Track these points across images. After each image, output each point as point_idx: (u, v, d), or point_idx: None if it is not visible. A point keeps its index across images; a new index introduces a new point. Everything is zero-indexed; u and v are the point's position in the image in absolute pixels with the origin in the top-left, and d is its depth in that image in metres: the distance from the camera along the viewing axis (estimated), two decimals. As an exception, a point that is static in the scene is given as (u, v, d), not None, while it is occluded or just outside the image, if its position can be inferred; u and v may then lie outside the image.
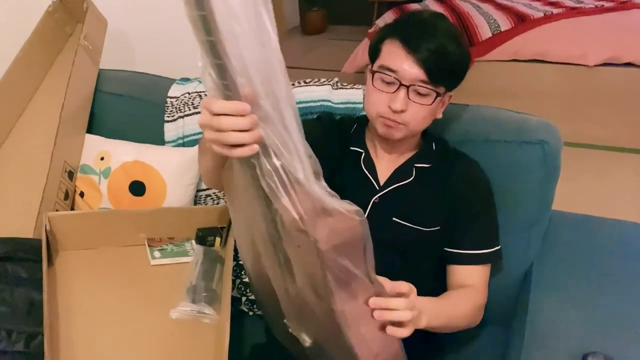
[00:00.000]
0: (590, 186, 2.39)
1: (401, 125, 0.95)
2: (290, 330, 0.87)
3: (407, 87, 0.91)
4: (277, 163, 0.66)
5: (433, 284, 1.02)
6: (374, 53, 0.97)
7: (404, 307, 0.77)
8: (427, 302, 0.87)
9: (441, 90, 0.93)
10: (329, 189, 0.70)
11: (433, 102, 0.92)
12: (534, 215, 1.10)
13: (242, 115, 0.63)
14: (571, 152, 1.24)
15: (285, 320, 0.87)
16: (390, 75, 0.92)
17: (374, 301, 0.76)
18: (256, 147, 0.66)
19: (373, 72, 0.95)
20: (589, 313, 0.98)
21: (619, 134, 2.75)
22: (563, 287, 1.04)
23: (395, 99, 0.92)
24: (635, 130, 2.73)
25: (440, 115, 0.99)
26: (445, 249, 1.02)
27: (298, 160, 0.67)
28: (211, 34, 0.60)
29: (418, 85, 0.91)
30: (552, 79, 2.80)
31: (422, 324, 0.83)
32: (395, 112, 0.92)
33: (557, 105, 2.79)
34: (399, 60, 0.91)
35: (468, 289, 0.99)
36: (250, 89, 0.63)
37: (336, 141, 1.07)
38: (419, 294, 0.82)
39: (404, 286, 0.79)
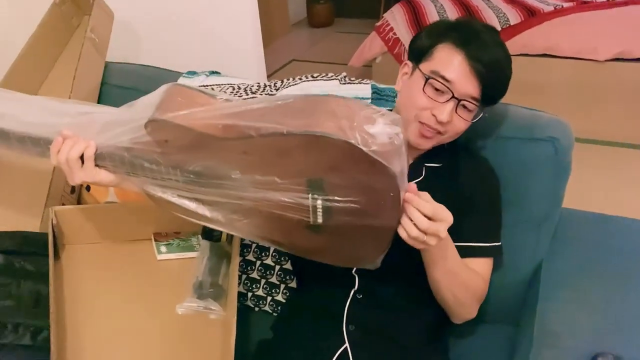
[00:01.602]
0: (601, 183, 2.37)
1: (438, 136, 0.94)
2: (318, 219, 0.84)
3: (459, 100, 0.89)
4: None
5: None
6: (422, 53, 0.95)
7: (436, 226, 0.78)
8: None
9: (485, 109, 0.92)
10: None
11: (475, 119, 0.92)
12: (544, 212, 1.09)
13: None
14: (581, 148, 1.22)
15: (310, 221, 0.85)
16: (445, 85, 0.90)
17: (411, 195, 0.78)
18: (92, 142, 0.90)
19: (426, 77, 0.92)
20: (599, 312, 0.97)
21: (630, 130, 2.72)
22: (573, 285, 1.03)
23: (442, 109, 0.90)
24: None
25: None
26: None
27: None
28: None
29: (468, 101, 0.90)
30: (562, 74, 2.77)
31: (438, 245, 0.82)
32: (439, 122, 0.91)
33: (567, 100, 2.76)
34: (457, 70, 0.89)
35: (477, 274, 0.98)
36: (65, 129, 0.91)
37: None
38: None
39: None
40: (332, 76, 1.27)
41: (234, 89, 1.32)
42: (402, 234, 0.80)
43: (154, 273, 1.13)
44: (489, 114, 1.11)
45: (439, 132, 0.93)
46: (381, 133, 0.74)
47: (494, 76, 0.89)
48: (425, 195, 0.80)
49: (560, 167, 1.05)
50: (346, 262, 0.93)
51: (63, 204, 1.24)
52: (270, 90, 1.29)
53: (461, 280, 0.94)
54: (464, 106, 0.90)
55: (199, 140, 0.83)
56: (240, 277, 1.28)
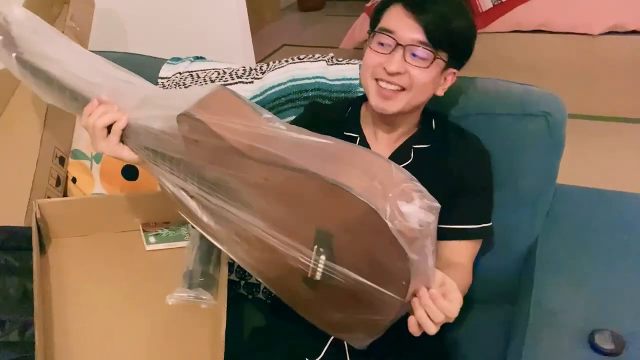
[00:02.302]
0: (595, 159, 2.35)
1: (401, 94, 0.90)
2: (317, 275, 0.79)
3: (404, 47, 0.87)
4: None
5: None
6: (375, 21, 0.93)
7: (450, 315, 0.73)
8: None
9: (443, 56, 0.89)
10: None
11: (431, 64, 0.88)
12: (538, 189, 1.07)
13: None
14: (575, 124, 1.20)
15: (309, 275, 0.80)
16: (388, 36, 0.88)
17: (424, 294, 0.72)
18: (125, 117, 0.88)
19: (371, 34, 0.92)
20: (595, 289, 0.96)
21: (625, 105, 2.69)
22: (569, 263, 1.02)
23: (390, 60, 0.88)
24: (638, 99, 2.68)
25: (441, 93, 0.95)
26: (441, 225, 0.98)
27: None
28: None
29: (415, 46, 0.87)
30: (555, 50, 2.74)
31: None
32: (390, 74, 0.88)
33: (561, 76, 2.73)
34: (398, 20, 0.88)
35: (459, 269, 0.95)
36: (104, 94, 0.90)
37: (326, 130, 1.03)
38: None
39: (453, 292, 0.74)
40: (319, 57, 1.24)
41: (219, 73, 1.29)
42: (413, 328, 0.75)
43: (143, 264, 1.11)
44: (480, 90, 1.10)
45: (401, 89, 0.90)
46: (413, 215, 0.69)
47: (437, 21, 0.86)
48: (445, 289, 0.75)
49: (553, 142, 1.03)
50: (332, 330, 0.88)
51: (48, 197, 1.21)
52: (256, 74, 1.26)
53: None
54: (414, 54, 0.88)
55: (225, 151, 0.80)
56: (232, 266, 1.27)
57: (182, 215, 0.95)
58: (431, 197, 0.72)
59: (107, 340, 0.95)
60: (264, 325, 1.12)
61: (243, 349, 1.05)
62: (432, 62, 0.88)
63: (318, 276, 0.79)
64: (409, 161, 0.98)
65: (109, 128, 0.89)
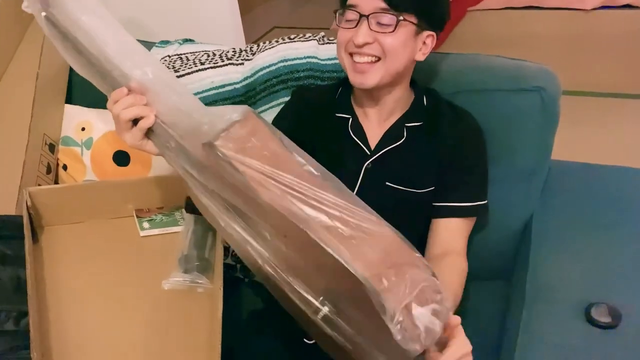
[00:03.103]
0: (589, 134, 2.35)
1: (376, 65, 0.89)
2: (317, 316, 0.79)
3: (367, 17, 0.87)
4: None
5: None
6: (343, 0, 0.93)
7: None
8: None
9: (410, 18, 0.88)
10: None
11: (397, 28, 0.87)
12: (533, 165, 1.06)
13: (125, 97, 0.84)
14: (569, 100, 1.20)
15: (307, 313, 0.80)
16: (353, 11, 0.89)
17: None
18: (152, 116, 0.84)
19: (337, 12, 0.93)
20: (591, 263, 0.96)
21: (618, 80, 2.69)
22: (564, 237, 1.02)
23: (357, 32, 0.89)
24: (634, 74, 2.67)
25: (421, 58, 0.94)
26: (435, 203, 0.98)
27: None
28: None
29: (377, 13, 0.87)
30: (548, 26, 2.72)
31: None
32: (358, 46, 0.89)
33: (553, 53, 2.71)
34: None
35: (455, 261, 0.95)
36: (135, 83, 0.85)
37: (317, 113, 1.02)
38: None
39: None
40: (309, 37, 1.22)
41: (208, 55, 1.27)
42: None
43: (137, 250, 1.10)
44: (473, 66, 1.09)
45: (376, 59, 0.90)
46: (421, 319, 0.68)
47: None
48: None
49: (548, 117, 1.03)
50: (325, 348, 0.85)
51: (39, 185, 1.20)
52: (247, 55, 1.24)
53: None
54: (379, 22, 0.88)
55: (246, 190, 0.75)
56: (228, 250, 1.26)
57: (195, 204, 0.93)
58: (445, 302, 0.71)
59: (103, 328, 0.95)
60: (261, 307, 1.12)
61: (240, 331, 1.05)
62: (397, 26, 0.87)
63: (318, 318, 0.78)
64: (402, 140, 0.97)
65: (135, 120, 0.86)
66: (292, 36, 1.23)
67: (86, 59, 0.89)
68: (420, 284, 0.69)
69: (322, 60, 1.18)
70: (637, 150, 2.25)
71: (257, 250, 0.79)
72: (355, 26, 0.89)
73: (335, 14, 0.93)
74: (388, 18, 0.87)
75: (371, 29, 0.88)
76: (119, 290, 1.01)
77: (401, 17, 0.87)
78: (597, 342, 0.83)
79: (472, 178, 0.99)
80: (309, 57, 1.18)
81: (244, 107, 0.79)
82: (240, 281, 1.27)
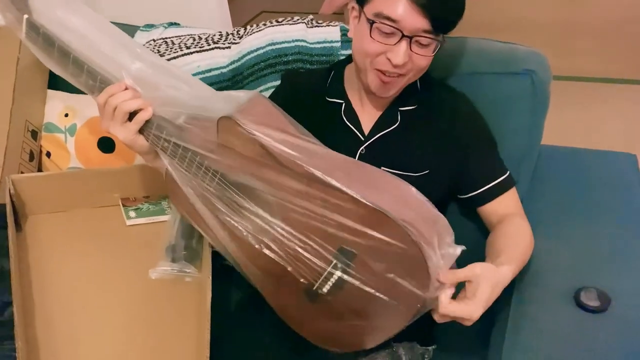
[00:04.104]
0: (578, 119, 2.36)
1: (399, 79, 0.87)
2: (325, 287, 0.83)
3: (410, 38, 0.82)
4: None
5: None
6: None
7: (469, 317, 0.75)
8: (507, 272, 0.80)
9: (441, 37, 0.85)
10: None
11: (435, 50, 0.85)
12: (523, 149, 1.05)
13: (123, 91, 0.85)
14: (559, 85, 1.19)
15: (315, 286, 0.83)
16: (390, 26, 0.82)
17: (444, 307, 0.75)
18: (150, 109, 0.86)
19: (370, 22, 0.84)
20: (580, 248, 0.96)
21: (608, 66, 2.69)
22: (553, 222, 1.02)
23: (396, 51, 0.83)
24: (622, 60, 2.68)
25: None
26: (463, 196, 0.99)
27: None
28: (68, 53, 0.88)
29: (421, 36, 0.82)
30: (537, 11, 2.71)
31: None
32: (395, 66, 0.84)
33: (542, 38, 2.70)
34: (399, 7, 0.81)
35: (513, 222, 0.93)
36: (130, 80, 0.86)
37: (307, 97, 1.00)
38: None
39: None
40: (298, 20, 1.20)
41: (194, 39, 1.24)
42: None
43: (124, 239, 1.09)
44: (463, 50, 1.07)
45: (400, 75, 0.87)
46: (447, 257, 0.75)
47: (440, 5, 0.81)
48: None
49: (538, 100, 1.02)
50: (319, 341, 0.89)
51: (22, 173, 1.17)
52: (234, 39, 1.22)
53: (525, 256, 0.90)
54: (418, 42, 0.84)
55: (263, 161, 0.81)
56: (216, 238, 1.25)
57: (180, 211, 0.97)
58: (453, 248, 0.77)
59: (89, 317, 0.94)
60: (250, 295, 1.10)
61: (229, 320, 1.04)
62: (435, 49, 0.85)
63: (325, 289, 0.82)
64: (396, 125, 0.95)
65: (130, 116, 0.87)
66: (280, 19, 1.21)
67: (73, 62, 0.89)
68: (438, 222, 0.77)
69: (310, 43, 1.16)
70: (623, 134, 2.27)
71: (260, 227, 0.84)
72: (394, 44, 0.83)
73: (369, 24, 0.84)
74: (429, 40, 0.83)
75: (410, 50, 0.84)
76: (105, 279, 1.00)
77: (440, 40, 0.84)
78: (586, 326, 0.83)
79: (491, 155, 0.99)
80: (297, 40, 1.16)
81: (254, 92, 0.87)
82: (230, 269, 1.25)
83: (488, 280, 0.75)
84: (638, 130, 2.30)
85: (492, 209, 0.97)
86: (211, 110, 0.85)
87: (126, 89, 0.86)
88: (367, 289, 0.78)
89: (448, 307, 0.74)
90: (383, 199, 0.75)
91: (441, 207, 1.03)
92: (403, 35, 0.82)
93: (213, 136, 0.84)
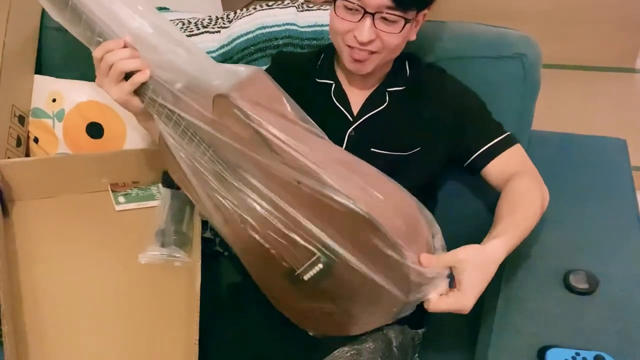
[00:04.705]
0: (568, 106, 2.37)
1: (373, 55, 0.87)
2: (305, 275, 0.82)
3: (373, 14, 0.82)
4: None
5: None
6: None
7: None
8: (497, 247, 0.77)
9: (411, 15, 0.84)
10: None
11: (402, 29, 0.84)
12: (514, 133, 1.05)
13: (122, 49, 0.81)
14: (548, 73, 1.19)
15: (297, 272, 0.83)
16: (353, 2, 0.82)
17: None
18: (148, 71, 0.82)
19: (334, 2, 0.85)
20: (569, 231, 0.97)
21: (597, 53, 2.69)
22: (544, 206, 1.02)
23: (360, 28, 0.83)
24: (612, 48, 2.68)
25: (414, 37, 0.91)
26: (466, 162, 0.97)
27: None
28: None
29: (385, 13, 0.82)
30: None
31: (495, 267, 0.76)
32: (362, 43, 0.84)
33: (535, 24, 2.70)
34: None
35: (515, 183, 0.89)
36: (129, 37, 0.82)
37: (297, 78, 0.99)
38: None
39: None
40: (288, 4, 1.19)
41: (183, 24, 1.23)
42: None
43: (113, 224, 1.08)
44: (454, 34, 1.07)
45: (372, 52, 0.87)
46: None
47: None
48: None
49: (529, 84, 1.02)
50: (295, 319, 0.90)
51: (9, 158, 1.16)
52: (223, 23, 1.20)
53: (530, 222, 0.86)
54: (385, 19, 0.83)
55: (257, 144, 0.79)
56: (207, 223, 1.24)
57: (173, 175, 0.94)
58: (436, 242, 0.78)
59: (78, 302, 0.93)
60: (239, 280, 1.10)
61: (219, 305, 1.04)
62: (403, 27, 0.84)
63: (307, 277, 0.82)
64: (384, 105, 0.95)
65: (127, 74, 0.83)
66: (270, 3, 1.20)
67: (71, 9, 0.83)
68: (425, 235, 0.76)
69: (301, 27, 1.15)
70: (616, 121, 2.28)
71: (247, 206, 0.82)
72: (358, 20, 0.83)
73: (334, 1, 0.85)
74: (394, 17, 0.83)
75: (375, 26, 0.83)
76: (94, 264, 1.00)
77: (408, 17, 0.83)
78: (575, 308, 0.84)
79: (484, 118, 0.98)
80: (287, 24, 1.15)
81: (254, 67, 0.83)
82: (220, 255, 1.25)
83: (473, 264, 0.73)
84: (628, 117, 2.31)
85: (496, 170, 0.94)
86: (209, 82, 0.83)
87: (125, 46, 0.82)
88: (347, 284, 0.78)
89: (438, 305, 0.74)
90: (376, 205, 0.74)
91: (435, 183, 1.05)
92: (365, 12, 0.82)
93: (208, 110, 0.82)
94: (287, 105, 0.82)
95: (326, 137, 0.85)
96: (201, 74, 0.84)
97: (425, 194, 1.00)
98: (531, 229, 0.85)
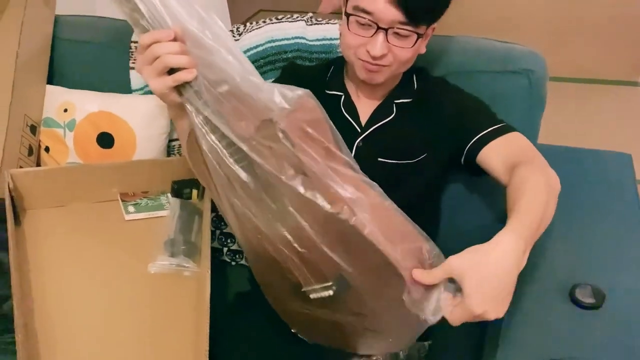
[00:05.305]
0: (574, 119, 2.38)
1: (384, 68, 0.89)
2: (312, 295, 0.81)
3: (386, 30, 0.84)
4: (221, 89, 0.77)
5: (430, 217, 1.01)
6: None
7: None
8: (502, 238, 0.71)
9: (422, 30, 0.86)
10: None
11: (415, 43, 0.87)
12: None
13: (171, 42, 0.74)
14: (554, 86, 1.20)
15: (303, 289, 0.82)
16: (366, 18, 0.84)
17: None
18: (194, 70, 0.75)
19: (347, 15, 0.87)
20: (575, 245, 0.97)
21: (603, 66, 2.71)
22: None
23: (373, 43, 0.85)
24: (615, 61, 2.69)
25: (423, 50, 0.93)
26: (465, 150, 0.95)
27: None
28: None
29: (397, 28, 0.84)
30: (533, 9, 2.72)
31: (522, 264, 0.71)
32: (374, 57, 0.86)
33: (538, 38, 2.72)
34: (375, 1, 0.83)
35: (519, 173, 0.84)
36: (179, 27, 0.74)
37: (306, 88, 1.01)
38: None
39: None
40: (297, 17, 1.21)
41: (194, 36, 1.24)
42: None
43: (122, 234, 1.09)
44: (461, 48, 1.08)
45: (384, 66, 0.89)
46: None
47: None
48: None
49: (535, 100, 1.03)
50: (291, 323, 0.91)
51: (20, 167, 1.17)
52: (233, 36, 1.22)
53: (536, 212, 0.79)
54: (397, 34, 0.85)
55: (295, 168, 0.74)
56: (214, 233, 1.25)
57: (193, 169, 0.90)
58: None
59: (88, 311, 0.94)
60: (247, 290, 1.11)
61: (227, 315, 1.04)
62: (415, 41, 0.86)
63: (312, 297, 0.80)
64: (392, 116, 0.97)
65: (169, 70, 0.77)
66: (279, 17, 1.22)
67: None
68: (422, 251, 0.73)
69: (310, 40, 1.17)
70: (618, 134, 2.29)
71: (267, 222, 0.79)
72: (371, 36, 0.85)
73: (347, 17, 0.87)
74: (407, 32, 0.85)
75: (387, 41, 0.85)
76: (104, 274, 1.00)
77: (420, 32, 0.85)
78: (581, 322, 0.84)
79: (480, 112, 0.98)
80: (297, 37, 1.17)
81: (306, 91, 0.77)
82: (227, 265, 1.26)
83: (471, 268, 0.68)
84: (633, 131, 2.32)
85: (492, 157, 0.92)
86: (254, 94, 0.77)
87: (175, 39, 0.75)
88: (353, 312, 0.78)
89: (453, 319, 0.71)
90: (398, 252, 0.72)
91: (439, 187, 1.05)
92: (379, 27, 0.84)
93: (249, 123, 0.77)
94: (330, 133, 0.79)
95: (359, 170, 0.81)
96: (249, 86, 0.77)
97: (432, 201, 1.02)
98: (545, 214, 0.79)
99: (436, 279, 0.70)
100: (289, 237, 0.77)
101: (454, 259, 0.69)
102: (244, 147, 0.76)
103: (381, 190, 0.77)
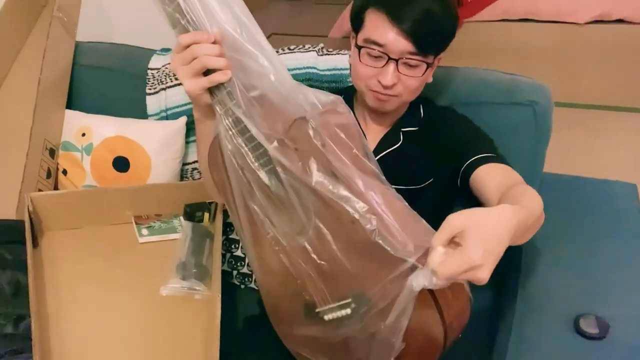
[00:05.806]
0: (580, 146, 2.39)
1: (394, 98, 0.93)
2: (327, 316, 0.80)
3: (396, 60, 0.89)
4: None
5: None
6: (357, 23, 0.93)
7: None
8: (504, 208, 0.68)
9: (430, 59, 0.91)
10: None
11: (424, 72, 0.91)
12: (525, 177, 1.07)
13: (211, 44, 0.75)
14: (561, 112, 1.22)
15: (318, 309, 0.80)
16: (377, 50, 0.89)
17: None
18: (229, 72, 0.77)
19: (359, 47, 0.91)
20: (580, 275, 0.98)
21: (609, 93, 2.73)
22: (555, 249, 1.04)
23: (384, 74, 0.90)
24: (625, 88, 2.71)
25: (430, 79, 0.97)
26: (460, 171, 0.96)
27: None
28: None
29: (407, 58, 0.89)
30: (542, 38, 2.76)
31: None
32: (385, 87, 0.91)
33: (547, 65, 2.76)
34: (384, 32, 0.87)
35: (519, 186, 0.86)
36: (218, 29, 0.76)
37: None
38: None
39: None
40: (309, 48, 1.25)
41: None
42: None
43: (136, 256, 1.12)
44: (467, 80, 1.11)
45: (393, 95, 0.93)
46: None
47: (422, 27, 0.86)
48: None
49: (540, 130, 1.05)
50: (291, 345, 0.89)
51: (39, 190, 1.21)
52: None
53: (531, 208, 0.78)
54: (407, 64, 0.89)
55: (325, 172, 0.75)
56: (224, 256, 1.28)
57: (212, 175, 0.89)
58: None
59: (101, 332, 0.96)
60: (256, 314, 1.13)
61: (236, 338, 1.06)
62: (425, 70, 0.90)
63: (327, 318, 0.79)
64: (398, 144, 1.00)
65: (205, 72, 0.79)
66: (291, 47, 1.26)
67: None
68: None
69: (321, 70, 1.21)
70: (626, 162, 2.29)
71: (286, 231, 0.79)
72: (382, 66, 0.90)
73: (358, 49, 0.91)
74: (416, 62, 0.89)
75: (398, 70, 0.89)
76: (117, 295, 1.03)
77: (428, 61, 0.90)
78: (585, 353, 0.85)
79: (477, 137, 1.00)
80: (308, 67, 1.21)
81: (339, 97, 0.80)
82: (236, 287, 1.28)
83: (471, 224, 0.63)
84: (638, 159, 2.32)
85: (487, 178, 0.91)
86: (287, 99, 0.79)
87: (214, 42, 0.76)
88: (369, 332, 0.75)
89: (444, 270, 0.62)
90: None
91: (446, 211, 1.05)
92: (389, 58, 0.88)
93: (281, 126, 0.78)
94: (359, 140, 0.80)
95: (386, 181, 0.82)
96: (284, 88, 0.79)
97: (439, 225, 1.03)
98: (535, 223, 0.79)
99: (441, 241, 0.65)
100: (309, 247, 0.77)
101: (454, 217, 0.65)
102: (271, 149, 0.77)
103: (406, 203, 0.79)
